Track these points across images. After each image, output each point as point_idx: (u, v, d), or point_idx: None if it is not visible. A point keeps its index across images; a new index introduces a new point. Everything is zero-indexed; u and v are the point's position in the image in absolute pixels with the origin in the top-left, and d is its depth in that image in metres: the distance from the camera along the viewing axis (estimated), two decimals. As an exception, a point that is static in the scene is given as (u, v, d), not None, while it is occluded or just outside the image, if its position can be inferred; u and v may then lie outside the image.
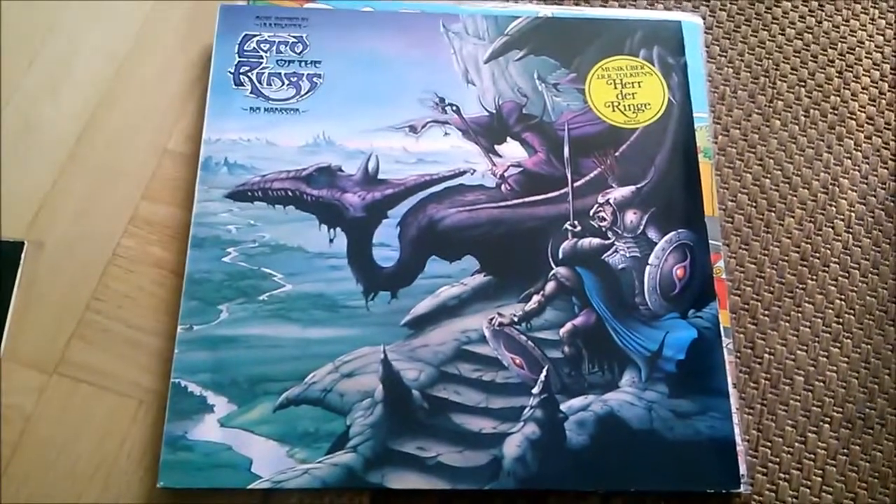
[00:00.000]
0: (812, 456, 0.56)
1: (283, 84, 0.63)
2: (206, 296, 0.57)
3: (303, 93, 0.62)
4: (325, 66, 0.63)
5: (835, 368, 0.59)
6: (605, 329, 0.57)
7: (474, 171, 0.61)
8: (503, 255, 0.59)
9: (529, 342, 0.57)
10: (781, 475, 0.56)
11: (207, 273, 0.57)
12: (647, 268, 0.59)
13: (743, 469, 0.55)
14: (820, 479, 0.56)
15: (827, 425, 0.57)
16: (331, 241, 0.58)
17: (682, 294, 0.58)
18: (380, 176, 0.60)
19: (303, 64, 0.63)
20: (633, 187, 0.61)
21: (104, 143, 0.63)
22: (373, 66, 0.64)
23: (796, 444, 0.57)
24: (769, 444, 0.56)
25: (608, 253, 0.59)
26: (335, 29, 0.65)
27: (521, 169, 0.61)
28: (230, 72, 0.63)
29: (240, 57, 0.63)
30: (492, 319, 0.57)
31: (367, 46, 0.64)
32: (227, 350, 0.55)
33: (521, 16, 0.66)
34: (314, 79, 0.63)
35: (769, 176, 0.64)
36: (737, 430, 0.55)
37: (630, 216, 0.60)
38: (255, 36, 0.64)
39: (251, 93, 0.62)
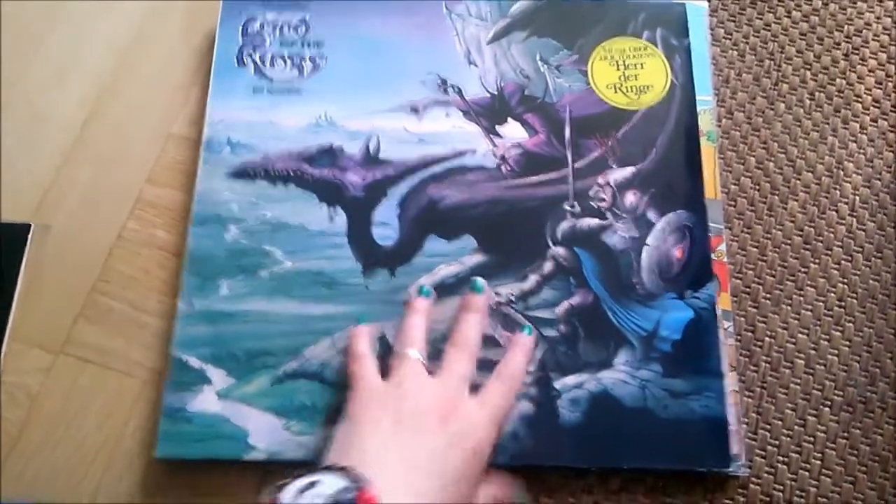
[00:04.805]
0: (812, 439, 0.57)
1: (286, 65, 0.64)
2: (206, 272, 0.58)
3: (305, 73, 0.64)
4: (328, 47, 0.65)
5: (836, 352, 0.59)
6: (602, 309, 0.58)
7: (475, 151, 0.62)
8: (502, 234, 0.60)
9: (526, 321, 0.57)
10: (780, 458, 0.56)
11: (209, 250, 0.59)
12: (646, 248, 0.59)
13: (735, 449, 0.55)
14: (819, 462, 0.56)
15: (827, 409, 0.57)
16: (331, 219, 0.60)
17: (679, 275, 0.59)
18: (381, 156, 0.61)
19: (305, 45, 0.64)
20: (633, 168, 0.61)
21: (109, 127, 0.65)
22: (375, 48, 0.65)
23: (796, 428, 0.57)
24: (768, 426, 0.57)
25: (606, 233, 0.60)
26: (337, 10, 0.66)
27: (521, 150, 0.62)
28: (234, 53, 0.64)
29: (243, 38, 0.65)
30: (489, 298, 0.58)
31: (369, 27, 0.65)
32: (226, 325, 0.57)
33: None
34: (317, 60, 0.64)
35: (773, 159, 0.65)
36: (730, 411, 0.56)
37: (630, 197, 0.61)
38: (258, 18, 0.65)
39: (254, 73, 0.64)
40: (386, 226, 0.60)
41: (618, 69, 0.65)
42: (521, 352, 0.56)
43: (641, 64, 0.65)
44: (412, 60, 0.64)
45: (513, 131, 0.63)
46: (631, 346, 0.57)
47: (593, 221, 0.60)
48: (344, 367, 0.55)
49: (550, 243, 0.59)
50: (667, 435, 0.55)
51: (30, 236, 0.60)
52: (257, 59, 0.64)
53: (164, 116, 0.65)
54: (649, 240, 0.60)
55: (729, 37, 0.69)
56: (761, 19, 0.70)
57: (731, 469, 0.55)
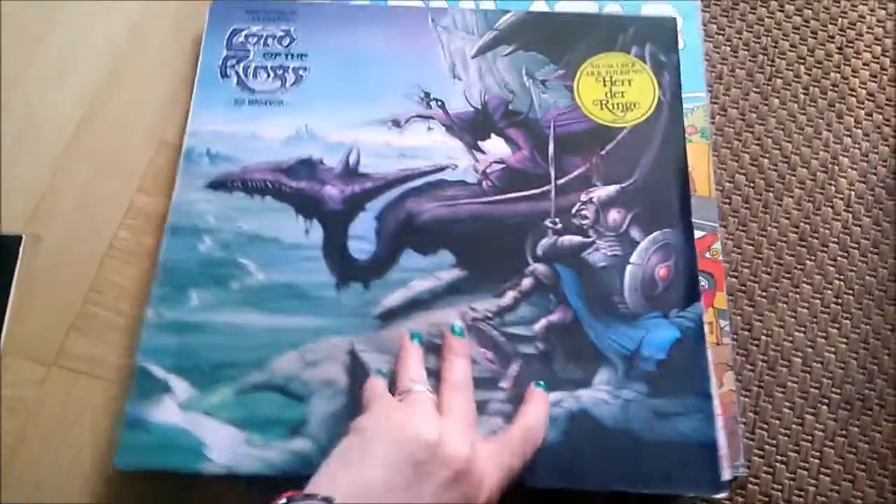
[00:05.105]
0: (810, 437, 0.55)
1: (269, 76, 0.62)
2: (177, 282, 0.56)
3: (287, 85, 0.62)
4: (311, 59, 0.63)
5: (833, 349, 0.58)
6: (581, 327, 0.55)
7: (456, 166, 0.59)
8: (480, 250, 0.57)
9: (501, 337, 0.55)
10: (779, 457, 0.55)
11: (181, 261, 0.57)
12: (629, 266, 0.57)
13: (727, 475, 0.52)
14: (818, 460, 0.55)
15: (825, 407, 0.56)
16: (307, 232, 0.57)
17: (664, 294, 0.56)
18: (360, 170, 0.59)
19: (289, 57, 0.63)
20: (617, 186, 0.59)
21: (100, 136, 0.63)
22: (359, 61, 0.62)
23: (794, 426, 0.56)
24: (766, 426, 0.56)
25: (588, 251, 0.57)
26: (323, 22, 0.64)
27: (503, 165, 0.60)
28: (218, 65, 0.62)
29: (227, 50, 0.63)
30: (464, 314, 0.55)
31: (354, 40, 0.63)
32: (193, 336, 0.55)
33: (512, 10, 0.65)
34: (299, 71, 0.62)
35: (767, 155, 0.63)
36: (720, 434, 0.53)
37: (613, 215, 0.58)
38: (243, 30, 0.63)
39: (237, 85, 0.62)
40: (362, 239, 0.57)
41: (604, 85, 0.62)
42: (541, 406, 0.52)
43: (629, 80, 0.62)
44: (396, 73, 0.62)
45: (496, 147, 0.60)
46: (612, 365, 0.54)
47: (575, 239, 0.58)
48: (311, 380, 0.54)
49: (530, 260, 0.57)
50: (652, 457, 0.52)
51: (21, 248, 0.59)
52: (240, 71, 0.62)
53: (154, 124, 0.63)
54: (633, 258, 0.57)
55: (722, 32, 0.67)
56: (754, 13, 0.67)
57: (721, 496, 0.52)
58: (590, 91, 0.62)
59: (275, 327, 0.55)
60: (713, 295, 0.58)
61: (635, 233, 0.58)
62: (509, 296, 0.56)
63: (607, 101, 0.62)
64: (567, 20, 0.65)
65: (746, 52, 0.67)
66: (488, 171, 0.60)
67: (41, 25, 0.67)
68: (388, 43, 0.63)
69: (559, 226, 0.58)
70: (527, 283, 0.56)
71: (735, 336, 0.58)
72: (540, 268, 0.57)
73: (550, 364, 0.54)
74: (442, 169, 0.60)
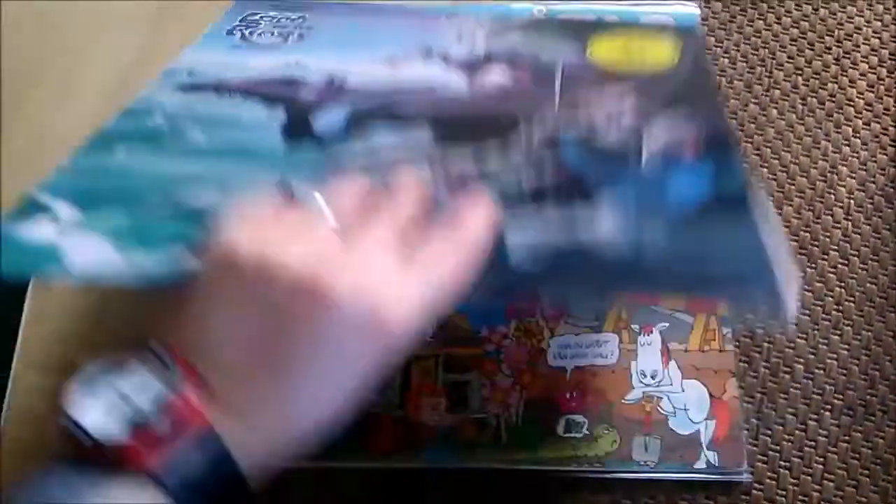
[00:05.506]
0: (813, 443, 0.54)
1: (273, 35, 0.59)
2: (107, 141, 0.47)
3: (290, 42, 0.58)
4: (318, 28, 0.59)
5: (835, 356, 0.56)
6: (584, 183, 0.43)
7: (448, 86, 0.53)
8: (467, 128, 0.48)
9: (481, 184, 0.42)
10: (782, 463, 0.53)
11: (122, 130, 0.48)
12: (645, 136, 0.45)
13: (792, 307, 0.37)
14: (821, 466, 0.53)
15: (828, 413, 0.54)
16: (269, 116, 0.50)
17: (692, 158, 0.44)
18: (345, 87, 0.53)
19: (296, 28, 0.60)
20: (632, 98, 0.49)
21: None
22: (364, 27, 0.60)
23: (797, 432, 0.54)
24: (769, 431, 0.54)
25: (597, 131, 0.46)
26: (336, 11, 0.63)
27: (502, 85, 0.53)
28: (226, 30, 0.60)
29: (240, 23, 0.60)
30: (436, 171, 0.44)
31: (363, 23, 0.61)
32: (106, 179, 0.45)
33: (524, 14, 0.63)
34: (304, 35, 0.59)
35: (766, 165, 0.61)
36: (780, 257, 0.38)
37: (628, 118, 0.48)
38: (259, 12, 0.61)
39: (240, 39, 0.58)
40: (330, 122, 0.49)
41: (621, 48, 0.56)
42: (481, 211, 0.38)
43: (648, 46, 0.56)
44: (400, 34, 0.58)
45: (496, 72, 0.54)
46: (623, 206, 0.42)
47: (582, 125, 0.47)
48: (226, 208, 0.40)
49: (524, 137, 0.46)
50: (684, 264, 0.39)
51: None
52: (246, 32, 0.59)
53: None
54: (651, 129, 0.46)
55: (720, 45, 0.66)
56: (752, 26, 0.66)
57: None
58: (605, 51, 0.56)
59: (202, 172, 0.45)
60: (715, 303, 0.56)
61: (654, 121, 0.47)
62: (494, 160, 0.45)
63: (624, 60, 0.56)
64: (583, 19, 0.62)
65: (744, 64, 0.65)
66: (485, 86, 0.52)
67: (52, 33, 0.68)
68: (397, 22, 0.61)
69: (563, 120, 0.47)
70: (517, 152, 0.45)
71: (737, 343, 0.56)
72: (537, 138, 0.46)
73: (541, 212, 0.42)
74: (432, 85, 0.53)
